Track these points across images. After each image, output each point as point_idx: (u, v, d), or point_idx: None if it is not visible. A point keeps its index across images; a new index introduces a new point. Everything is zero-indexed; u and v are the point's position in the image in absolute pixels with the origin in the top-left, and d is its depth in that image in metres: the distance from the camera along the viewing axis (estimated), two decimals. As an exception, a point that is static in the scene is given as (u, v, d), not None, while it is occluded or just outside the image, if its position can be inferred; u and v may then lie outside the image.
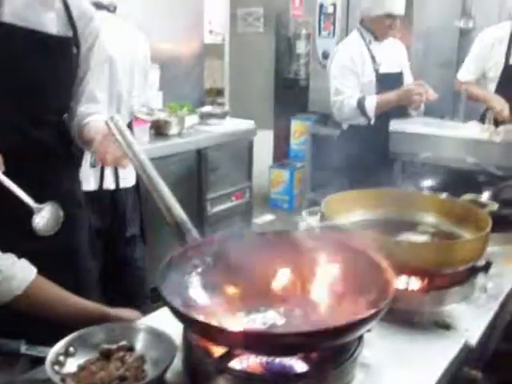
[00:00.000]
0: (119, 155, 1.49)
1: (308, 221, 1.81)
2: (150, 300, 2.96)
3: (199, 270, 1.26)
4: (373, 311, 1.07)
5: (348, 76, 3.43)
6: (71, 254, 1.88)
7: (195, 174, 3.46)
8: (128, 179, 2.79)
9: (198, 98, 4.57)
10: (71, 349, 1.20)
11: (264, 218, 5.07)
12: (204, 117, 3.78)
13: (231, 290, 1.26)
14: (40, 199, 1.57)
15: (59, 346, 1.19)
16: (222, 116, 3.81)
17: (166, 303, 1.10)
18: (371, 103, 3.36)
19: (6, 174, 1.51)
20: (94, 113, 1.85)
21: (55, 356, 1.16)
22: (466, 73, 3.67)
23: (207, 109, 3.96)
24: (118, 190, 2.75)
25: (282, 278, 1.33)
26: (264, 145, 4.92)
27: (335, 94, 3.45)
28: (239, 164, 3.83)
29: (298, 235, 1.42)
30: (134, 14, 3.26)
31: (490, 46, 3.53)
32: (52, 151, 1.81)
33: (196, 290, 1.24)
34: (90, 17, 1.88)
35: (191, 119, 3.75)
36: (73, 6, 1.83)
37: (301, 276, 1.32)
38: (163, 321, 1.24)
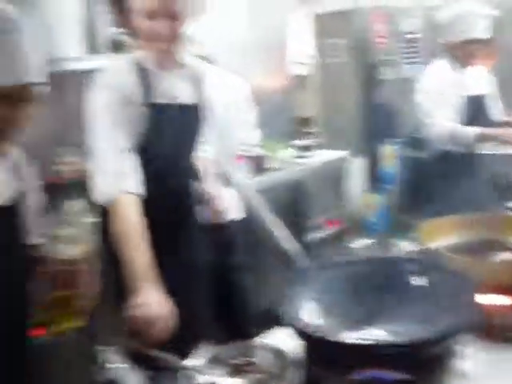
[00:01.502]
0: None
1: (403, 245, 1.95)
2: (257, 322, 3.18)
3: (314, 295, 1.45)
4: (468, 324, 1.23)
5: (438, 100, 3.50)
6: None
7: (294, 205, 3.66)
8: (237, 212, 3.01)
9: (290, 129, 4.79)
10: (205, 363, 1.39)
11: (359, 243, 5.18)
12: (298, 150, 3.99)
13: (342, 311, 1.45)
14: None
15: (197, 360, 1.40)
16: (316, 148, 4.00)
17: (290, 324, 1.29)
18: (468, 134, 3.39)
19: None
20: (208, 154, 2.28)
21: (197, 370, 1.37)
22: None
23: (301, 142, 4.17)
24: (228, 221, 2.99)
25: (381, 299, 1.50)
26: (356, 170, 5.06)
27: (426, 117, 3.54)
28: (334, 192, 4.00)
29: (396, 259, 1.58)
30: (223, 55, 3.47)
31: None
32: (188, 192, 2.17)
33: (312, 313, 1.43)
34: (211, 75, 2.26)
35: (286, 152, 3.97)
36: (197, 69, 2.21)
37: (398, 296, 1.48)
38: (277, 339, 1.44)
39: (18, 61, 1.32)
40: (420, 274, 1.50)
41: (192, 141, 2.19)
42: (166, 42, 2.00)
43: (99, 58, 3.02)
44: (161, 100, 2.05)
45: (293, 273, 1.48)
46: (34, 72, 1.37)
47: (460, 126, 3.43)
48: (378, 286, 1.49)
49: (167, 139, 2.07)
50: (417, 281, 1.50)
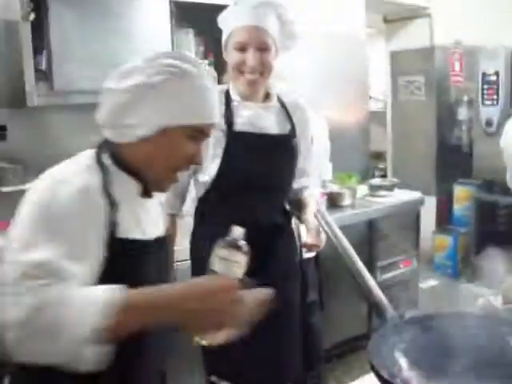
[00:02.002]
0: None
1: (490, 300, 1.92)
2: (324, 361, 3.19)
3: (403, 346, 1.45)
4: None
5: None
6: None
7: (366, 243, 3.66)
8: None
9: (364, 165, 4.81)
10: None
11: (429, 283, 5.12)
12: (373, 188, 3.99)
13: (430, 364, 1.44)
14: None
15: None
16: (391, 188, 4.00)
17: (376, 373, 1.30)
18: None
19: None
20: (307, 186, 2.30)
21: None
22: None
23: (376, 181, 4.19)
24: (302, 259, 3.02)
25: (473, 356, 1.48)
26: (427, 210, 5.01)
27: None
28: (407, 232, 3.98)
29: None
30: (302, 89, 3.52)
31: None
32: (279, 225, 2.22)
33: (401, 364, 1.43)
34: (302, 108, 2.30)
35: (361, 190, 3.98)
36: (287, 102, 2.25)
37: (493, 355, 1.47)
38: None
39: (214, 102, 1.46)
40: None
41: (281, 171, 2.22)
42: (256, 73, 2.09)
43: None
44: (243, 128, 2.13)
45: (382, 321, 1.47)
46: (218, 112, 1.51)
47: None
48: (469, 342, 1.47)
49: (249, 167, 2.12)
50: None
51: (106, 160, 1.42)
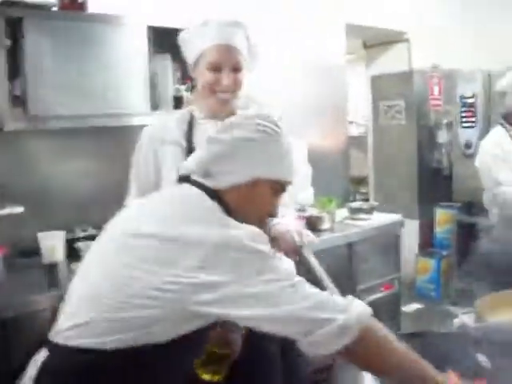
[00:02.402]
0: None
1: (463, 319, 1.92)
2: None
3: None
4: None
5: (501, 165, 3.46)
6: None
7: (346, 267, 3.65)
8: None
9: (344, 190, 4.82)
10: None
11: (412, 307, 5.11)
12: (353, 211, 3.99)
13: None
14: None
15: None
16: (370, 211, 4.00)
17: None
18: None
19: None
20: (283, 215, 2.21)
21: None
22: None
23: (356, 204, 4.18)
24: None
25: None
26: (409, 234, 5.02)
27: (496, 186, 3.47)
28: (387, 255, 3.96)
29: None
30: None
31: None
32: None
33: None
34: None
35: (340, 213, 3.97)
36: None
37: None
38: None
39: (292, 161, 1.68)
40: (484, 351, 1.47)
41: None
42: (229, 93, 2.12)
43: (161, 113, 3.19)
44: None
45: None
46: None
47: None
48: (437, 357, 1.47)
49: None
50: (481, 358, 1.47)
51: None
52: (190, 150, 2.12)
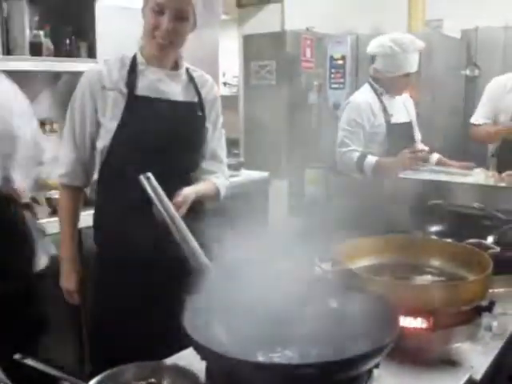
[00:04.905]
0: None
1: (321, 266, 1.90)
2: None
3: (218, 310, 1.37)
4: (379, 346, 1.18)
5: (354, 130, 3.50)
6: None
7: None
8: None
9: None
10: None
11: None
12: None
13: (249, 329, 1.37)
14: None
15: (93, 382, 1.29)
16: (238, 167, 3.95)
17: (189, 340, 1.20)
18: (370, 163, 3.42)
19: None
20: (216, 172, 2.22)
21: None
22: (479, 117, 3.84)
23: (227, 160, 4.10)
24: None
25: (295, 318, 1.43)
26: (279, 194, 5.04)
27: (340, 145, 3.55)
28: (255, 214, 3.94)
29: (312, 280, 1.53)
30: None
31: (500, 93, 3.72)
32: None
33: (217, 329, 1.34)
34: (211, 84, 2.25)
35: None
36: (196, 77, 2.21)
37: (312, 316, 1.42)
38: (189, 360, 1.34)
39: None
40: (336, 295, 1.45)
41: (185, 142, 2.12)
42: (166, 40, 2.01)
43: (16, 60, 3.09)
44: (145, 93, 2.06)
45: (196, 284, 1.39)
46: None
47: (365, 154, 3.45)
48: (291, 307, 1.43)
49: (146, 131, 2.03)
50: (333, 303, 1.45)
51: None
52: (131, 96, 2.04)
